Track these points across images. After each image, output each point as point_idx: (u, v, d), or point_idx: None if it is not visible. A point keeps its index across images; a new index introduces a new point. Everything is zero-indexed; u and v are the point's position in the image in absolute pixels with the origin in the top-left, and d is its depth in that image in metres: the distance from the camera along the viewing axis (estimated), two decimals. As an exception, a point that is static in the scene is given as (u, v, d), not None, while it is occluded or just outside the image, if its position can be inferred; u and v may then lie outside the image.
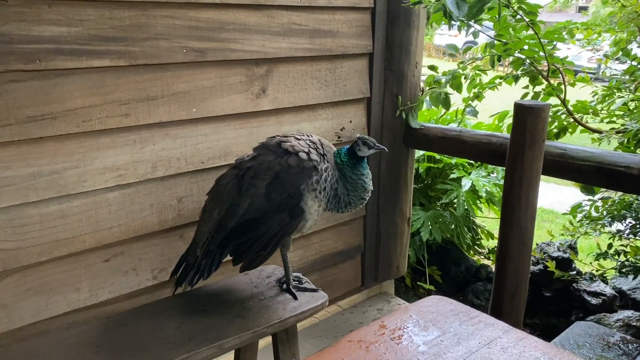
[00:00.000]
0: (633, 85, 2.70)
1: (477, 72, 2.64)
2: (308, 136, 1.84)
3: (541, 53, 2.37)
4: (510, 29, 2.37)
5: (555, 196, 6.08)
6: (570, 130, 2.61)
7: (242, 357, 1.93)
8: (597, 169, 2.13)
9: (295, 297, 1.86)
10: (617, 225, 3.13)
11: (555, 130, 2.62)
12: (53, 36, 1.71)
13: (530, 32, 2.34)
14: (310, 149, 1.77)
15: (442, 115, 3.48)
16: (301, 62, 2.40)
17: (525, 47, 2.37)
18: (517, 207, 2.23)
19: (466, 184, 3.19)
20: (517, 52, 2.42)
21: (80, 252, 1.92)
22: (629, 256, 3.10)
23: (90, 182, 1.89)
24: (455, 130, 2.74)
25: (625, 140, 2.46)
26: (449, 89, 2.69)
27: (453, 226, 3.42)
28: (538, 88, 2.58)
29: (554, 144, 2.34)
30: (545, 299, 3.19)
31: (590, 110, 2.62)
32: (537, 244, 3.43)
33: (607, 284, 3.20)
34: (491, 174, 3.40)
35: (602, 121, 2.72)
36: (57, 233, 1.86)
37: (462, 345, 1.40)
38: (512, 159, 2.23)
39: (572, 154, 2.22)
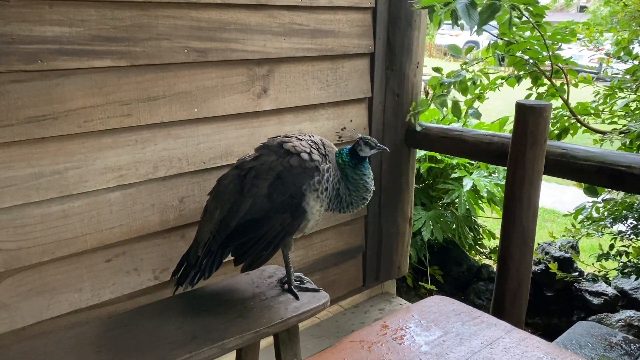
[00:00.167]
0: (635, 85, 2.70)
1: (484, 74, 2.62)
2: (310, 136, 1.84)
3: (544, 53, 2.37)
4: (514, 27, 2.36)
5: (557, 196, 6.07)
6: (571, 131, 2.61)
7: (244, 357, 1.93)
8: (599, 169, 2.12)
9: (296, 297, 1.86)
10: (618, 226, 3.12)
11: (556, 132, 2.62)
12: (54, 36, 1.71)
13: (535, 32, 2.33)
14: (312, 149, 1.77)
15: (444, 117, 3.47)
16: (302, 62, 2.40)
17: (530, 47, 2.37)
18: (518, 206, 2.23)
19: (467, 183, 3.19)
20: (519, 52, 2.41)
21: (81, 253, 1.92)
22: (631, 257, 3.10)
23: (91, 182, 1.89)
24: (457, 130, 2.73)
25: (628, 141, 2.46)
26: (457, 95, 2.65)
27: (454, 226, 3.42)
28: (541, 89, 2.58)
29: (556, 143, 2.34)
30: (547, 298, 3.18)
31: (592, 112, 2.62)
32: (538, 244, 3.42)
33: (609, 285, 3.19)
34: (493, 174, 3.40)
35: (603, 122, 2.71)
36: (59, 233, 1.86)
37: (465, 345, 1.40)
38: (513, 159, 2.22)
39: (573, 153, 2.21)
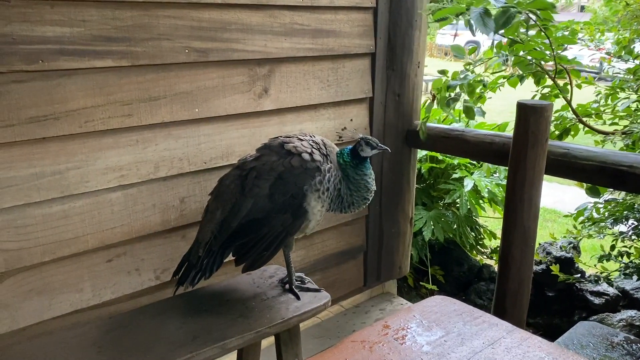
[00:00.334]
0: (636, 85, 2.69)
1: (491, 73, 2.61)
2: (311, 136, 1.84)
3: (548, 53, 2.36)
4: (522, 29, 2.35)
5: (558, 196, 6.07)
6: (572, 133, 2.60)
7: (245, 357, 1.93)
8: (600, 169, 2.12)
9: (297, 297, 1.86)
10: (619, 227, 3.11)
11: (557, 133, 2.62)
12: (55, 36, 1.71)
13: (542, 35, 2.32)
14: (313, 149, 1.77)
15: (447, 117, 3.47)
16: (303, 62, 2.40)
17: (537, 47, 2.36)
18: (519, 206, 2.22)
19: (468, 184, 3.19)
20: (522, 52, 2.40)
21: (83, 253, 1.92)
22: (632, 258, 3.09)
23: (93, 183, 1.89)
24: (458, 130, 2.73)
25: (631, 142, 2.46)
26: (464, 96, 2.63)
27: (455, 226, 3.42)
28: (545, 90, 2.57)
29: (557, 143, 2.34)
30: (548, 298, 3.18)
31: (593, 113, 2.61)
32: (539, 244, 3.42)
33: (612, 286, 3.18)
34: (494, 174, 3.39)
35: (604, 123, 2.71)
36: (60, 233, 1.86)
37: (466, 345, 1.39)
38: (514, 159, 2.22)
39: (575, 153, 2.21)
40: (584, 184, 2.62)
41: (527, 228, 2.24)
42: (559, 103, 2.58)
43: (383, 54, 2.70)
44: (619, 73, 2.88)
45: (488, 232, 3.67)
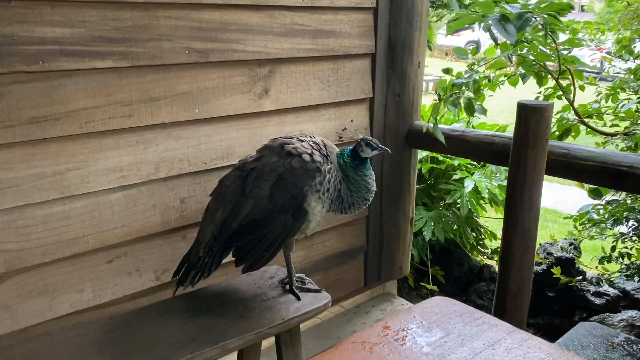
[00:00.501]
0: (637, 85, 2.69)
1: (496, 69, 2.59)
2: (311, 137, 1.84)
3: (547, 50, 2.35)
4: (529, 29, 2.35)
5: (559, 196, 6.07)
6: (573, 133, 2.59)
7: (245, 358, 1.93)
8: (601, 169, 2.12)
9: (298, 298, 1.86)
10: (620, 228, 3.11)
11: (557, 133, 2.61)
12: (56, 37, 1.71)
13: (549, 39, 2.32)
14: (314, 150, 1.77)
15: (454, 116, 3.45)
16: (304, 63, 2.40)
17: (541, 48, 2.35)
18: (520, 207, 2.22)
19: (469, 185, 3.19)
20: (525, 49, 2.39)
21: (83, 253, 1.92)
22: (633, 259, 3.09)
23: (93, 183, 1.89)
24: (458, 130, 2.73)
25: (633, 144, 2.45)
26: (469, 94, 2.61)
27: (456, 226, 3.42)
28: (547, 91, 2.57)
29: (558, 143, 2.34)
30: (549, 299, 3.17)
31: (594, 114, 2.61)
32: (540, 244, 3.41)
33: (614, 287, 3.18)
34: (495, 176, 3.38)
35: (605, 125, 2.70)
36: (61, 234, 1.86)
37: (466, 346, 1.39)
38: (515, 159, 2.22)
39: (575, 153, 2.21)
40: (585, 185, 2.61)
41: (528, 228, 2.24)
42: (559, 103, 2.58)
43: (383, 55, 2.70)
44: (619, 73, 2.88)
45: (489, 232, 3.67)
